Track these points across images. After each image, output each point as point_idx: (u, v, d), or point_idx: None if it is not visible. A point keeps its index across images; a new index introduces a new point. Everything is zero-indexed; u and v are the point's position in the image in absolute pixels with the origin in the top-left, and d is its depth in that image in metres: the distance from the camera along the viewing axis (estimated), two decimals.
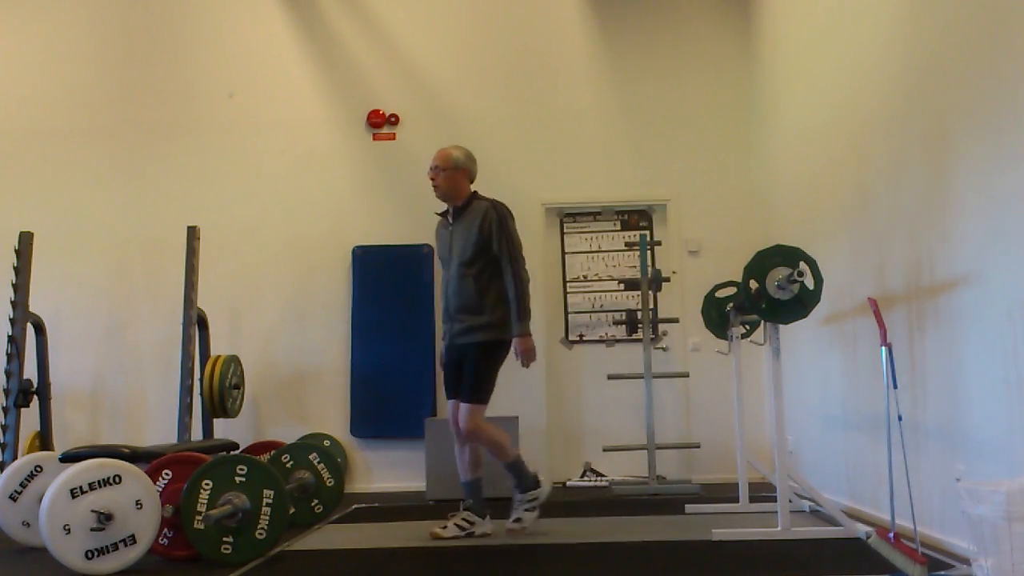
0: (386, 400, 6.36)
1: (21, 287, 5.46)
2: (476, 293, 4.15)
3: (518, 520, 4.18)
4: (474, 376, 4.14)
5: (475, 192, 4.36)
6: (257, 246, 6.62)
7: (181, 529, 3.70)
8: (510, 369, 6.46)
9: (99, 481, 3.49)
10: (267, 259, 6.63)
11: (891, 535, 3.24)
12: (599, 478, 6.26)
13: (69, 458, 3.78)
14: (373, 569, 3.53)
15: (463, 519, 4.18)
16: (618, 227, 6.74)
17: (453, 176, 4.26)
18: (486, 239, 4.17)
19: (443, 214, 4.40)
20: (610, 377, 6.02)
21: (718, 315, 5.05)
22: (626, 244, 6.71)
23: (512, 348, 4.19)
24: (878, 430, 4.00)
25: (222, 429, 6.05)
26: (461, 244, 4.21)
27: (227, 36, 6.84)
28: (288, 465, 4.71)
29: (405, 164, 6.66)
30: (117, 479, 3.51)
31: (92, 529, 3.43)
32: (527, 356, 4.17)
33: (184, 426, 5.49)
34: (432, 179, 4.27)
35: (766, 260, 3.83)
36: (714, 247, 6.51)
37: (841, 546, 3.65)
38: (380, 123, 6.73)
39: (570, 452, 6.50)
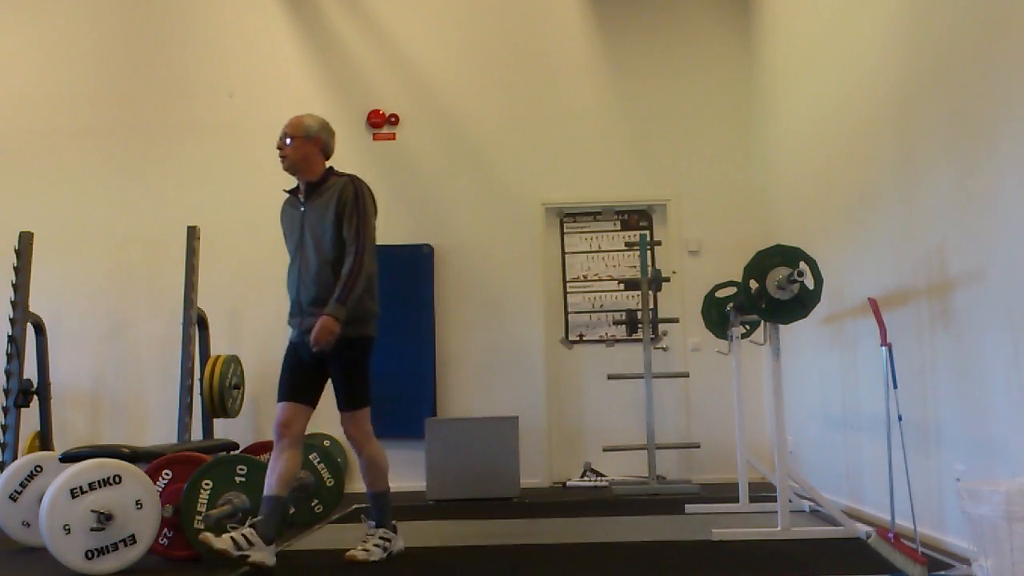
0: (386, 400, 6.31)
1: (21, 287, 5.46)
2: (333, 284, 3.72)
3: (365, 549, 3.62)
4: (345, 381, 3.73)
5: (331, 168, 3.88)
6: (257, 246, 6.60)
7: (181, 529, 3.71)
8: (510, 369, 6.56)
9: (99, 481, 3.49)
10: (267, 259, 6.59)
11: (891, 535, 3.24)
12: (599, 478, 6.26)
13: (69, 458, 3.78)
14: (372, 569, 3.53)
15: (243, 534, 3.40)
16: (618, 227, 6.74)
17: (303, 146, 3.78)
18: (340, 217, 3.73)
19: (293, 191, 3.95)
20: (610, 377, 6.02)
21: (718, 315, 5.06)
22: (626, 244, 6.71)
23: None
24: (878, 430, 4.00)
25: (222, 429, 6.05)
26: (317, 227, 3.77)
27: (227, 36, 6.84)
28: None
29: (405, 164, 6.67)
30: (117, 479, 3.51)
31: (92, 529, 3.44)
32: (321, 336, 3.58)
33: (184, 426, 5.50)
34: (279, 148, 3.81)
35: (766, 260, 3.83)
36: (714, 247, 6.52)
37: (841, 546, 3.65)
38: (380, 123, 6.73)
39: (570, 452, 6.50)
